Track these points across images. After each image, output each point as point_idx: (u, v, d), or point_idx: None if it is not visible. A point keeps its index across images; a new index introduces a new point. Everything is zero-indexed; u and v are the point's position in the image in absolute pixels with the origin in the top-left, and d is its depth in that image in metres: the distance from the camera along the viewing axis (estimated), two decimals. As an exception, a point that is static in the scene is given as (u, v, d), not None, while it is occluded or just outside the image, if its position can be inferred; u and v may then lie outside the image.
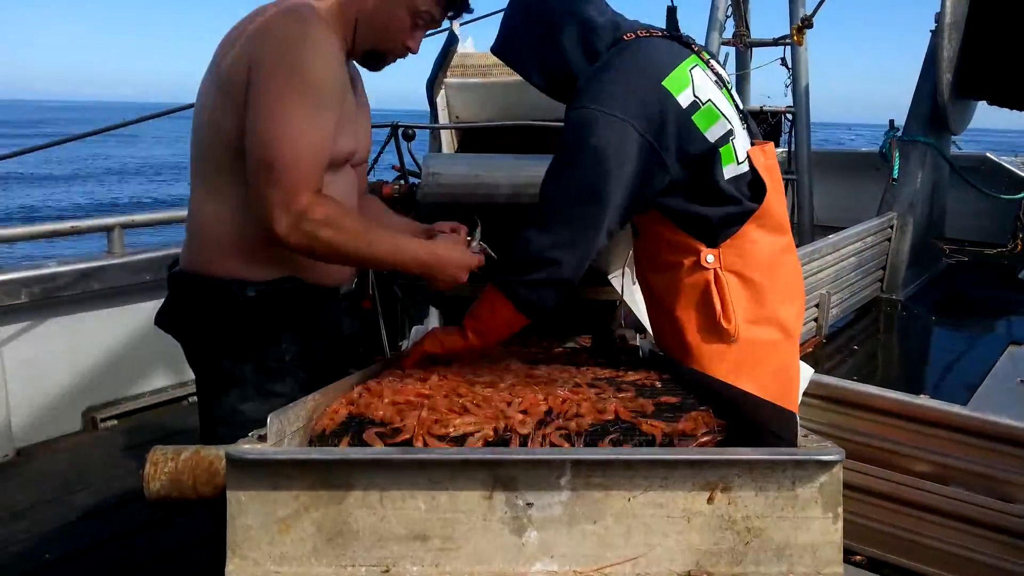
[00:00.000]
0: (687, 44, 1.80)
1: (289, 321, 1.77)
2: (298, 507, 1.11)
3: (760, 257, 1.81)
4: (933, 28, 5.16)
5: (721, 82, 1.81)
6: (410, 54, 1.81)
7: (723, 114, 1.74)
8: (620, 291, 2.67)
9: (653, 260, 1.94)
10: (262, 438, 1.17)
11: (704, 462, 1.10)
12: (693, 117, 1.70)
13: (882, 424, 2.68)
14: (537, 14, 1.83)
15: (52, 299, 3.37)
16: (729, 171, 1.75)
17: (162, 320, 1.83)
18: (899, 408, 2.66)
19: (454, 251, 1.80)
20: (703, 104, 1.71)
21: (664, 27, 1.86)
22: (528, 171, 2.53)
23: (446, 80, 3.66)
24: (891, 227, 5.26)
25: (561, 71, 1.82)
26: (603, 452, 1.17)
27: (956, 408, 2.63)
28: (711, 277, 1.79)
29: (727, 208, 1.77)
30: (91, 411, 3.58)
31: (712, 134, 1.72)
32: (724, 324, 1.79)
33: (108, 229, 3.65)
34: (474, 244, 1.89)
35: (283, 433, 1.24)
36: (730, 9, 6.46)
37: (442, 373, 1.70)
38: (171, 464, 1.21)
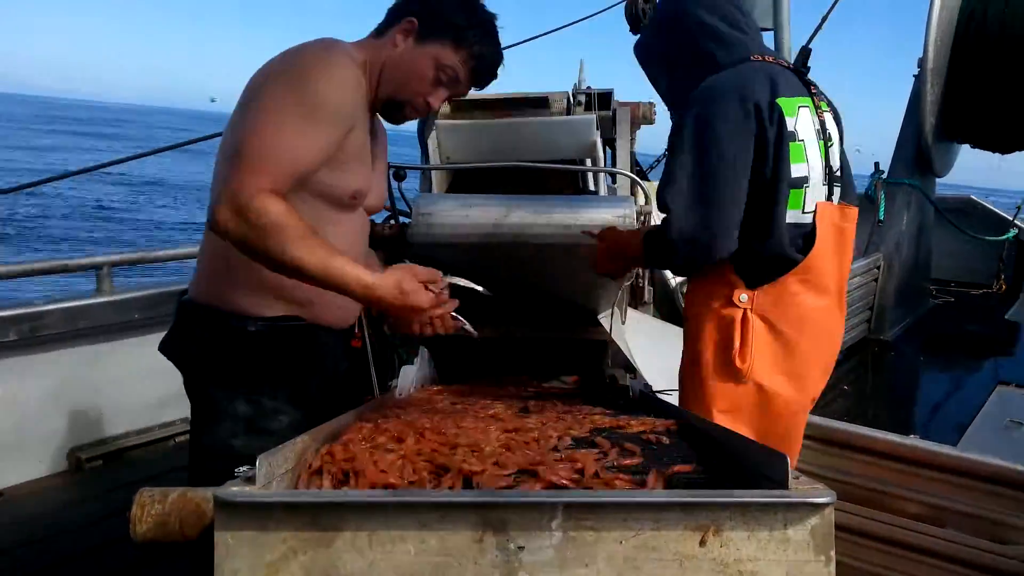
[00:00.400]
0: (807, 84, 1.88)
1: (288, 359, 1.77)
2: (286, 550, 1.10)
3: (795, 312, 1.83)
4: (916, 73, 5.26)
5: (823, 135, 1.85)
6: (429, 111, 1.84)
7: (808, 160, 1.80)
8: (609, 331, 2.68)
9: (692, 286, 2.00)
10: (250, 480, 1.16)
11: (696, 504, 1.10)
12: (791, 144, 1.77)
13: (873, 465, 2.67)
14: (679, 23, 1.94)
15: (40, 337, 3.35)
16: (792, 216, 1.80)
17: (165, 347, 1.83)
18: (889, 449, 2.66)
19: (405, 285, 1.60)
20: (797, 139, 1.78)
21: (792, 61, 1.98)
22: (519, 212, 2.55)
23: (437, 121, 3.69)
24: (877, 268, 5.31)
25: (684, 83, 1.90)
26: (595, 495, 1.17)
27: (946, 449, 2.63)
28: (739, 316, 1.83)
29: (775, 250, 1.81)
30: (76, 451, 3.53)
31: (795, 170, 1.78)
32: (738, 363, 1.83)
33: (98, 267, 3.64)
34: (444, 291, 1.71)
35: (272, 475, 1.23)
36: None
37: (420, 429, 1.59)
38: (158, 506, 1.20)
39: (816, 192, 1.82)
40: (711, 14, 1.89)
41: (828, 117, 1.90)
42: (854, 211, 1.92)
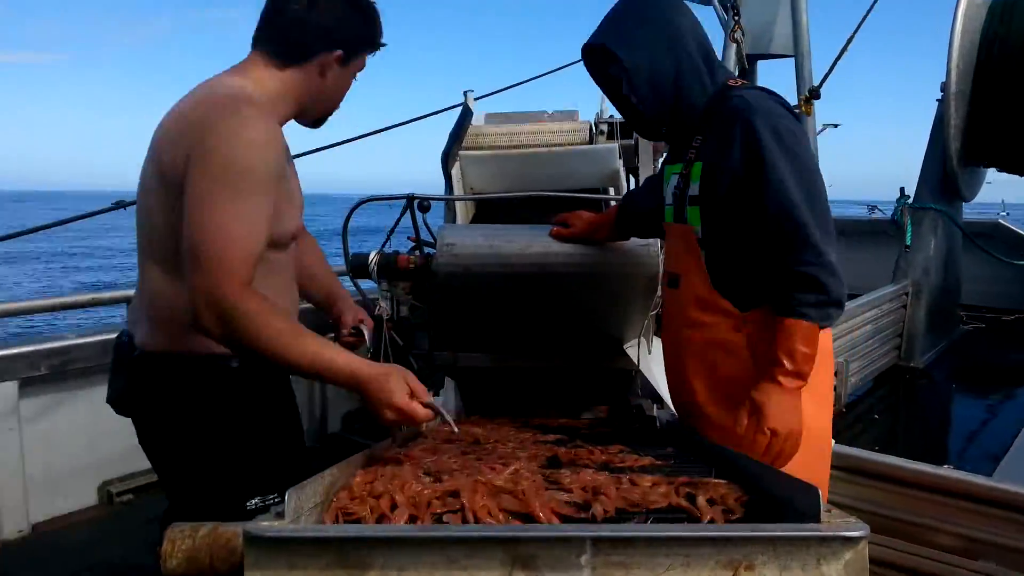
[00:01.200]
0: None
1: (271, 389, 1.81)
2: (316, 586, 1.10)
3: None
4: (939, 97, 5.24)
5: None
6: None
7: None
8: (636, 361, 2.67)
9: (687, 313, 1.96)
10: (280, 515, 1.17)
11: (727, 539, 1.09)
12: None
13: (905, 496, 2.62)
14: (665, 30, 1.89)
15: (71, 371, 3.39)
16: None
17: (125, 405, 1.81)
18: (922, 480, 2.61)
19: (389, 384, 1.57)
20: None
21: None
22: (542, 241, 2.55)
23: (461, 152, 3.73)
24: (906, 294, 5.25)
25: (670, 90, 1.89)
26: (624, 529, 1.16)
27: (981, 479, 2.57)
28: (743, 341, 1.85)
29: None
30: (107, 484, 3.56)
31: None
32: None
33: (128, 300, 3.69)
34: (429, 398, 1.63)
35: (300, 510, 1.23)
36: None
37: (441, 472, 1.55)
38: (189, 541, 1.21)
39: None
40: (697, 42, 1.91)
41: None
42: None
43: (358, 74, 1.88)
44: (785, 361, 1.70)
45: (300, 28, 1.72)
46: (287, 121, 1.81)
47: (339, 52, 1.75)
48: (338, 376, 1.56)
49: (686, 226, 1.93)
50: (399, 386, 1.55)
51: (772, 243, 1.77)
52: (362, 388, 1.56)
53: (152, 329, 1.74)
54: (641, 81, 1.88)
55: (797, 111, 6.25)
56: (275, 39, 1.75)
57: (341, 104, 1.89)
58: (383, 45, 1.87)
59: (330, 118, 1.91)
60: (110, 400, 1.85)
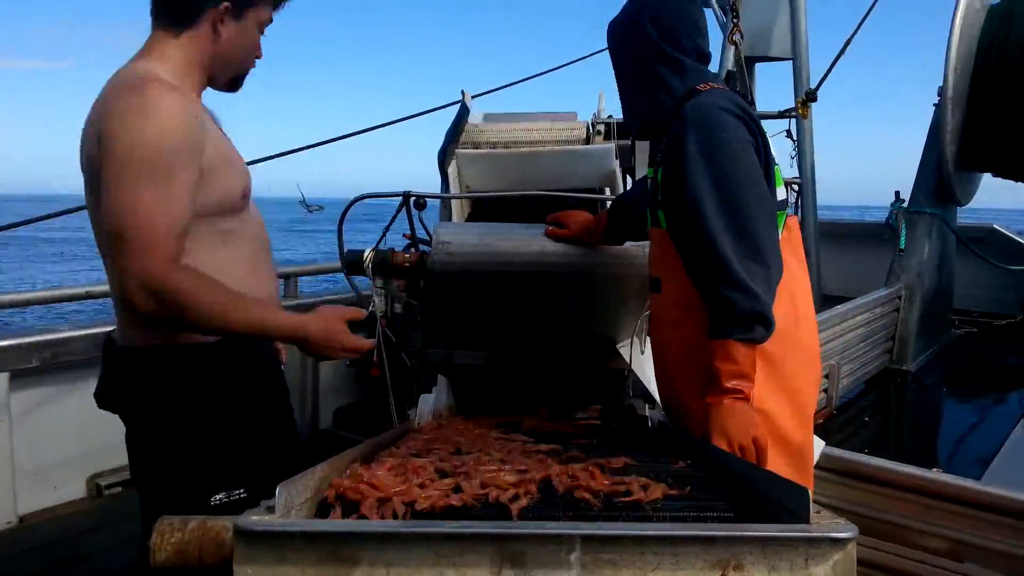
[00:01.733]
0: None
1: (248, 373, 1.80)
2: (305, 581, 1.10)
3: (780, 326, 1.80)
4: (936, 102, 5.25)
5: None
6: (257, 60, 1.86)
7: (782, 183, 1.89)
8: (629, 360, 2.67)
9: (669, 315, 1.98)
10: (270, 509, 1.17)
11: (716, 539, 1.09)
12: (775, 169, 1.85)
13: (895, 499, 2.63)
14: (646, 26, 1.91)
15: (62, 363, 3.38)
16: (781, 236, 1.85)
17: (106, 400, 1.81)
18: (912, 482, 2.62)
19: (328, 325, 1.68)
20: (775, 164, 1.86)
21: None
22: (538, 240, 2.56)
23: (457, 151, 3.73)
24: (899, 297, 5.26)
25: (648, 104, 1.94)
26: (614, 528, 1.16)
27: (970, 483, 2.58)
28: None
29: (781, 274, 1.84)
30: (96, 477, 3.55)
31: (779, 193, 1.87)
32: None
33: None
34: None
35: (291, 504, 1.23)
36: (735, 82, 6.58)
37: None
38: (178, 535, 1.21)
39: (786, 211, 1.92)
40: (672, 45, 1.91)
41: None
42: (795, 219, 1.98)
43: (266, 28, 1.83)
44: (713, 380, 1.71)
45: None
46: (202, 89, 1.79)
47: (226, 3, 1.72)
48: (283, 333, 1.67)
49: (661, 230, 1.93)
50: (342, 327, 1.70)
51: (687, 260, 1.80)
52: (311, 340, 1.66)
53: (123, 325, 1.74)
54: (624, 75, 1.95)
55: (794, 115, 6.26)
56: (164, 6, 1.72)
57: (257, 62, 1.85)
58: None
59: (247, 78, 1.86)
60: (96, 396, 1.86)
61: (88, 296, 3.71)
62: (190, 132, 1.61)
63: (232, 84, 1.85)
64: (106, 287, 3.73)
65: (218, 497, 1.70)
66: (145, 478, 1.83)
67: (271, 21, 1.83)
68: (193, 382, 1.71)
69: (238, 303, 1.60)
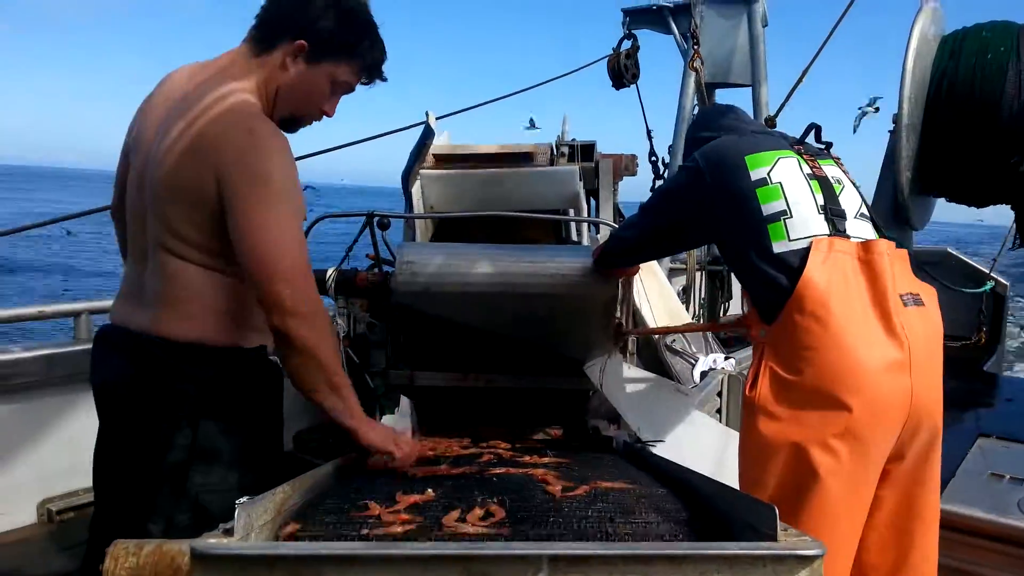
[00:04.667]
0: (791, 142, 2.09)
1: (271, 385, 1.86)
2: (264, 606, 1.07)
3: (795, 343, 1.80)
4: (891, 128, 5.36)
5: (815, 178, 1.98)
6: (325, 117, 1.91)
7: (786, 197, 1.91)
8: (597, 382, 2.67)
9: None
10: (228, 532, 1.14)
11: (683, 557, 1.08)
12: (757, 189, 1.93)
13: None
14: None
15: (13, 385, 3.29)
16: (779, 247, 1.88)
17: (129, 388, 1.77)
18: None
19: (380, 426, 1.91)
20: (771, 183, 1.93)
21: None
22: (502, 261, 2.56)
23: (421, 171, 3.72)
24: (858, 320, 5.33)
25: None
26: (580, 547, 1.15)
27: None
28: (760, 349, 1.89)
29: (765, 279, 1.88)
30: (47, 502, 3.44)
31: (767, 208, 1.91)
32: (748, 391, 1.87)
33: (75, 315, 3.59)
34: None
35: (250, 527, 1.20)
36: (696, 107, 6.69)
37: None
38: (132, 559, 1.17)
39: (807, 224, 1.89)
40: (705, 130, 2.22)
41: (824, 165, 2.05)
42: (881, 243, 1.91)
43: (342, 92, 1.87)
44: None
45: (273, 9, 1.79)
46: (267, 115, 1.81)
47: (301, 42, 1.75)
48: (346, 416, 1.75)
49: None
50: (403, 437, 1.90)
51: None
52: (363, 435, 1.78)
53: (175, 317, 1.74)
54: None
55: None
56: (257, 27, 1.80)
57: (323, 119, 1.90)
58: (374, 70, 1.88)
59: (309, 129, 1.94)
60: (109, 383, 1.83)
61: (40, 316, 3.62)
62: (292, 159, 1.76)
63: (288, 124, 1.86)
64: (60, 307, 3.64)
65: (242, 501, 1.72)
66: (165, 473, 1.75)
67: (351, 89, 1.89)
68: (250, 385, 1.80)
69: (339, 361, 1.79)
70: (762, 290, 1.91)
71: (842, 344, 1.76)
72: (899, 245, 2.02)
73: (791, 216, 1.89)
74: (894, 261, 1.88)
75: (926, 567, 1.92)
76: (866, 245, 1.87)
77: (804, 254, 1.83)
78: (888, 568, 1.89)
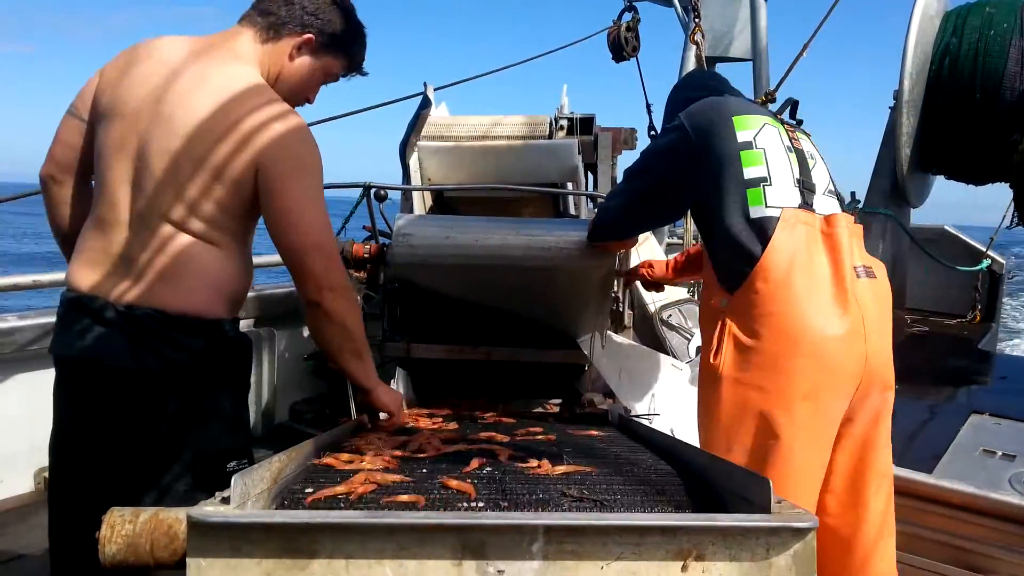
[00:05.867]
0: (771, 113, 2.14)
1: (245, 356, 1.95)
2: (261, 574, 1.07)
3: (756, 312, 1.84)
4: (892, 105, 5.34)
5: (793, 150, 2.02)
6: (307, 104, 2.05)
7: (768, 164, 1.94)
8: (589, 355, 2.67)
9: (702, 292, 2.13)
10: (225, 500, 1.14)
11: (677, 528, 1.09)
12: (741, 152, 1.95)
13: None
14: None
15: (10, 354, 3.28)
16: (756, 212, 1.91)
17: (119, 359, 1.73)
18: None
19: (392, 391, 2.08)
20: (755, 148, 1.96)
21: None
22: (499, 233, 2.55)
23: (419, 143, 3.70)
24: (854, 296, 5.34)
25: None
26: (576, 518, 1.15)
27: (921, 476, 2.64)
28: (720, 319, 1.92)
29: (733, 243, 1.91)
30: (43, 471, 3.45)
31: (748, 172, 1.93)
32: (711, 360, 1.90)
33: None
34: None
35: (247, 495, 1.20)
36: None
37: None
38: (128, 527, 1.17)
39: (782, 193, 1.92)
40: (693, 91, 2.23)
41: (801, 138, 2.10)
42: (841, 217, 1.95)
43: (327, 83, 2.02)
44: None
45: (287, 4, 1.89)
46: None
47: (310, 35, 1.89)
48: (362, 381, 1.94)
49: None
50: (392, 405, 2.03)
51: None
52: (376, 397, 1.98)
53: (172, 288, 1.75)
54: None
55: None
56: (264, 12, 1.89)
57: (307, 105, 2.03)
58: (358, 67, 2.04)
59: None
60: (89, 355, 1.77)
61: (36, 285, 3.61)
62: None
63: None
64: (54, 276, 3.64)
65: (231, 464, 1.80)
66: (156, 443, 1.76)
67: (336, 79, 2.04)
68: (233, 356, 1.87)
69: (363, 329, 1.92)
70: (730, 256, 1.93)
71: (802, 311, 1.83)
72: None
73: (770, 184, 1.93)
74: (852, 235, 1.95)
75: (884, 521, 1.99)
76: (828, 219, 1.94)
77: (774, 223, 1.88)
78: (848, 528, 1.95)
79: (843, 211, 2.03)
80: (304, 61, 1.92)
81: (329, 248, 1.80)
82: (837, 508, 1.95)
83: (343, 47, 1.97)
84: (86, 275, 1.78)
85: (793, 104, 2.27)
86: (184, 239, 1.74)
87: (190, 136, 1.73)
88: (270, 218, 1.78)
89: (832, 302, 1.85)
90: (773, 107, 2.48)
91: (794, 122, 2.21)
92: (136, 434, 1.75)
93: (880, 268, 2.01)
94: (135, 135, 1.75)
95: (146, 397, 1.75)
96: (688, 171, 2.03)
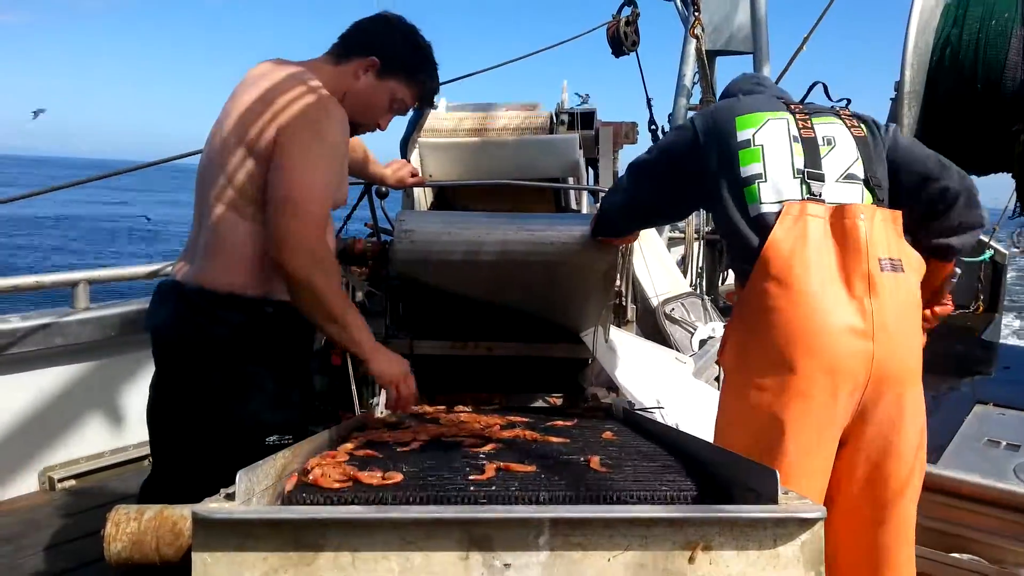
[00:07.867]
0: (787, 104, 2.06)
1: (297, 336, 2.00)
2: (267, 569, 1.07)
3: (755, 305, 1.83)
4: (893, 96, 5.33)
5: (801, 140, 1.95)
6: (379, 131, 2.18)
7: (764, 160, 1.92)
8: (592, 349, 2.67)
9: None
10: (230, 496, 1.14)
11: (684, 520, 1.09)
12: (740, 151, 1.95)
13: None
14: None
15: (12, 355, 3.29)
16: (754, 209, 1.89)
17: (171, 331, 1.93)
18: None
19: (395, 360, 2.02)
20: (753, 145, 1.94)
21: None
22: (500, 229, 2.54)
23: (420, 139, 3.69)
24: (857, 288, 5.33)
25: None
26: (582, 510, 1.15)
27: (927, 467, 2.63)
28: (732, 316, 1.96)
29: (738, 240, 1.90)
30: (48, 471, 3.46)
31: (745, 171, 1.92)
32: (718, 357, 1.93)
33: (73, 284, 3.58)
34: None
35: (252, 491, 1.20)
36: (697, 75, 6.63)
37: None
38: (134, 524, 1.17)
39: (780, 188, 1.89)
40: (724, 95, 2.26)
41: (831, 127, 1.99)
42: (857, 207, 1.84)
43: (398, 112, 2.14)
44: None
45: (356, 30, 2.07)
46: None
47: (373, 58, 2.02)
48: (356, 346, 1.90)
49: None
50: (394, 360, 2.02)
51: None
52: (374, 360, 1.95)
53: (211, 266, 1.90)
54: None
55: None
56: (340, 39, 2.07)
57: (374, 124, 2.13)
58: (427, 97, 2.17)
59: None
60: (157, 329, 1.98)
61: (39, 287, 3.61)
62: (348, 138, 1.98)
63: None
64: (58, 277, 3.65)
65: (272, 439, 1.86)
66: (202, 413, 1.90)
67: (405, 111, 2.17)
68: (275, 333, 1.92)
69: (349, 303, 1.91)
70: (737, 255, 1.94)
71: (801, 306, 1.77)
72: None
73: (764, 180, 1.90)
74: (875, 225, 1.82)
75: (902, 532, 1.90)
76: (841, 209, 1.83)
77: (773, 219, 1.85)
78: (867, 539, 1.87)
79: (875, 197, 1.91)
80: (369, 81, 2.04)
81: (304, 208, 1.78)
82: (852, 512, 1.86)
83: (406, 71, 2.08)
84: (177, 261, 2.03)
85: (821, 86, 2.21)
86: (232, 217, 1.87)
87: (235, 123, 1.89)
88: (268, 177, 1.83)
89: (836, 297, 1.77)
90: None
91: (828, 104, 2.14)
92: (187, 402, 1.92)
93: (912, 261, 1.88)
94: (212, 135, 1.97)
95: (191, 367, 1.91)
96: (692, 172, 2.03)
